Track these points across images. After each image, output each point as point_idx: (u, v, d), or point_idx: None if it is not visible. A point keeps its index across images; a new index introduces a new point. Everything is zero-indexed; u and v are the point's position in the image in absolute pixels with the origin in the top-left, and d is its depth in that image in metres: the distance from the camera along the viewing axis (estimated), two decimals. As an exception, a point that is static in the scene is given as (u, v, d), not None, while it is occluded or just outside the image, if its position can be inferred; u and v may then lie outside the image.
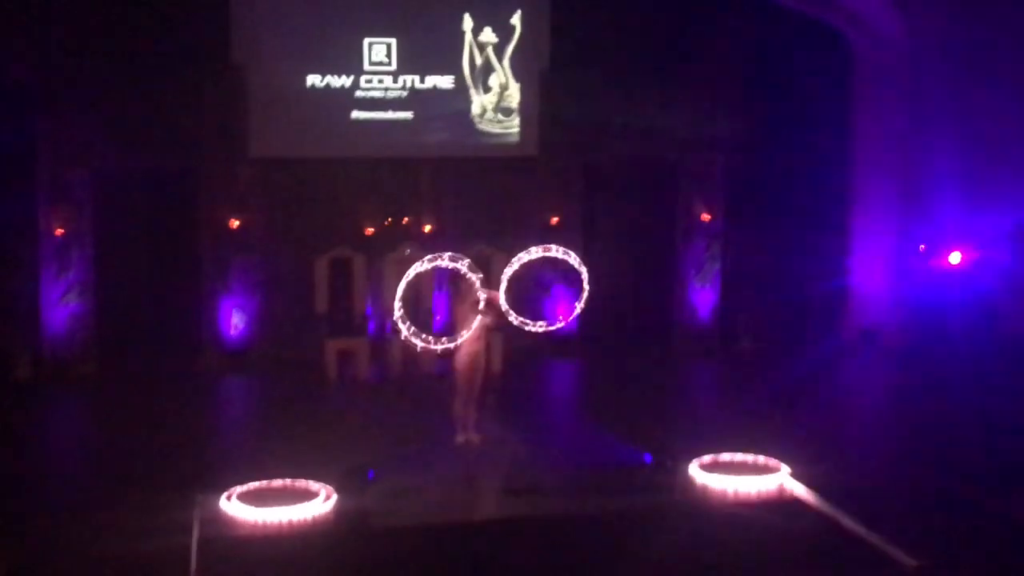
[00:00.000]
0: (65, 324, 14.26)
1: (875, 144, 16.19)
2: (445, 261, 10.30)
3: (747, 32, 15.94)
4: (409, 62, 15.23)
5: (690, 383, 14.62)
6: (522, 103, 15.58)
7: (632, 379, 12.56)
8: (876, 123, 16.17)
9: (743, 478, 9.84)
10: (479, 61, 15.42)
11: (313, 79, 14.93)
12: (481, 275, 10.48)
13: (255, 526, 8.89)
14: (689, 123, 15.77)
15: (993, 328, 15.56)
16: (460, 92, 15.41)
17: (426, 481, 10.00)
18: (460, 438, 11.06)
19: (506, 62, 15.48)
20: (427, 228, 15.39)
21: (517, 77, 15.50)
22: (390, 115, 15.26)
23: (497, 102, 15.52)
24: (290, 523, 8.92)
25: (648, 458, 10.18)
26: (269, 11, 14.73)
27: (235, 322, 14.81)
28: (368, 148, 15.25)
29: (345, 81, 15.06)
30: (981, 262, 15.54)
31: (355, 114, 15.16)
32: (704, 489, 9.84)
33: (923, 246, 15.55)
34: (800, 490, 9.70)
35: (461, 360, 11.01)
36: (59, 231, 14.13)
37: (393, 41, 15.14)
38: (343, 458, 10.03)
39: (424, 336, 10.38)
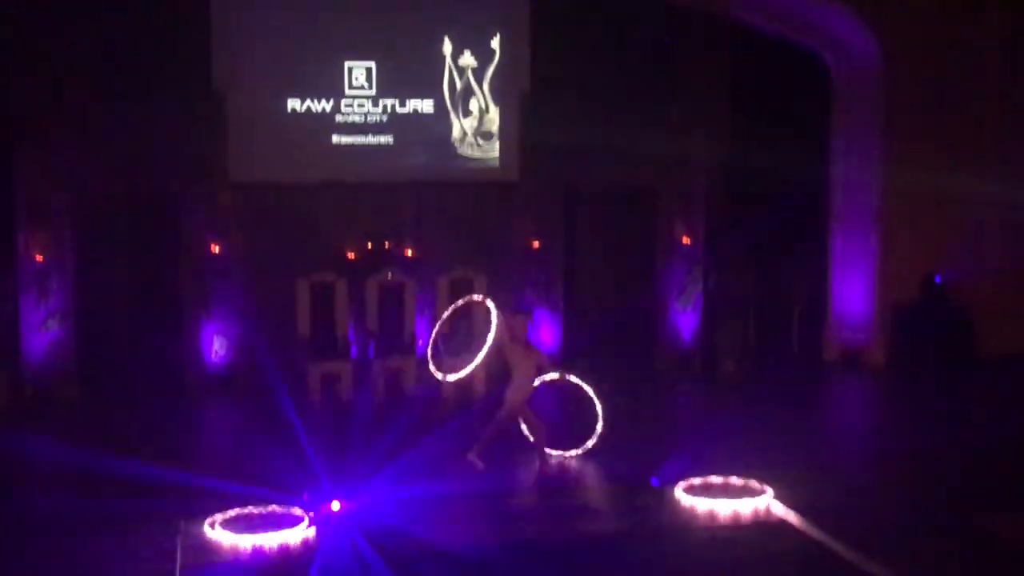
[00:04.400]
0: (45, 350, 14.17)
1: (853, 165, 16.30)
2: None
3: (727, 56, 16.05)
4: (389, 86, 15.25)
5: (673, 405, 14.63)
6: (502, 127, 15.60)
7: (615, 401, 12.52)
8: (854, 144, 16.30)
9: (728, 500, 9.86)
10: (459, 85, 15.45)
11: (293, 103, 14.94)
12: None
13: (238, 552, 8.84)
14: (669, 146, 15.81)
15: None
16: (440, 116, 15.43)
17: (410, 505, 9.96)
18: (476, 461, 10.97)
19: (486, 86, 15.51)
20: (409, 252, 15.37)
21: (497, 101, 15.54)
22: (370, 139, 15.26)
23: (477, 126, 15.54)
24: (273, 549, 8.88)
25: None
26: (250, 35, 14.74)
27: (217, 347, 14.74)
28: (349, 172, 15.24)
29: (325, 105, 15.06)
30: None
31: (335, 138, 15.16)
32: (689, 511, 9.84)
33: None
34: (785, 512, 9.71)
35: (517, 396, 10.96)
36: (39, 256, 14.05)
37: (373, 64, 15.15)
38: (326, 483, 10.00)
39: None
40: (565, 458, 11.33)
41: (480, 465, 10.94)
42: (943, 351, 15.55)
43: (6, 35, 13.88)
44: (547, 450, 11.13)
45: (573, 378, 11.34)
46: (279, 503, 9.62)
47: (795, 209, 16.10)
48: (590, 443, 11.33)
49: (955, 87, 15.97)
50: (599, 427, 11.24)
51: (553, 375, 11.25)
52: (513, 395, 10.97)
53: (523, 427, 11.25)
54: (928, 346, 15.63)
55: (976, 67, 16.01)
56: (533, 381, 11.00)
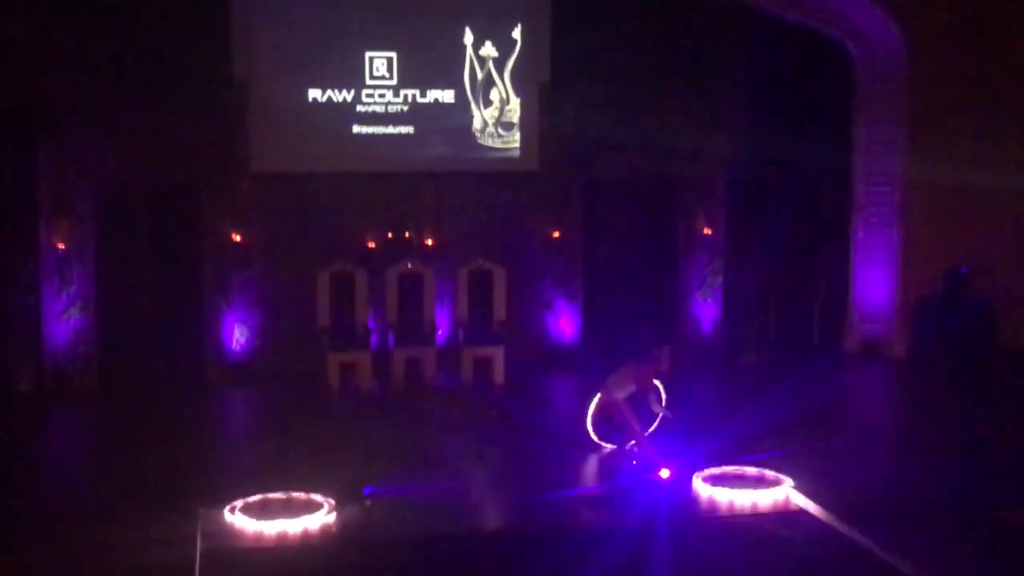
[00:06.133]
0: (67, 338, 14.21)
1: (876, 156, 16.22)
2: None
3: (748, 45, 15.96)
4: (410, 76, 15.23)
5: (693, 395, 14.56)
6: (523, 118, 15.56)
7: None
8: (877, 136, 16.20)
9: (747, 490, 9.84)
10: (480, 75, 15.42)
11: (314, 93, 14.93)
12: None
13: (258, 538, 8.88)
14: (690, 137, 15.76)
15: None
16: (461, 107, 15.40)
17: (429, 493, 9.99)
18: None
19: (507, 76, 15.48)
20: (429, 242, 15.39)
21: (517, 91, 15.50)
22: (391, 130, 15.24)
23: (498, 117, 15.51)
24: (294, 535, 8.91)
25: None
26: (271, 25, 14.73)
27: (237, 336, 14.78)
28: (369, 163, 15.23)
29: (346, 95, 15.05)
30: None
31: (356, 128, 15.15)
32: (708, 501, 9.83)
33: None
34: (805, 502, 9.69)
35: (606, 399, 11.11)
36: (60, 245, 14.11)
37: (394, 55, 15.14)
38: (346, 470, 10.03)
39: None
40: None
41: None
42: (965, 343, 15.46)
43: (28, 27, 13.92)
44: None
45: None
46: (299, 490, 9.65)
47: (817, 200, 16.03)
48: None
49: (979, 77, 15.85)
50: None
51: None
52: (603, 395, 11.07)
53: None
54: (950, 338, 15.54)
55: (1001, 57, 15.89)
56: (625, 393, 11.03)
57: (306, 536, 8.94)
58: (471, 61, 15.38)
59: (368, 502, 9.40)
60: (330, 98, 15.02)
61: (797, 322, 16.46)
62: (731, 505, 9.72)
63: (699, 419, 13.21)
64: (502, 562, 8.58)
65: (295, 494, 9.59)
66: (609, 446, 11.25)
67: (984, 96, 15.89)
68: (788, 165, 15.43)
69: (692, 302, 16.21)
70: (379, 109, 15.18)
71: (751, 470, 10.29)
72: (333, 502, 9.33)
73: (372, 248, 15.16)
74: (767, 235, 16.01)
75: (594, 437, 11.27)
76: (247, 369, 14.82)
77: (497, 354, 14.56)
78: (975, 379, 14.67)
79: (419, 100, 15.28)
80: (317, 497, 9.47)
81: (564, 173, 15.77)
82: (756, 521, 9.45)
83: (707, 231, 16.11)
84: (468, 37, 15.33)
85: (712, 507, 9.75)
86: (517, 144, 15.58)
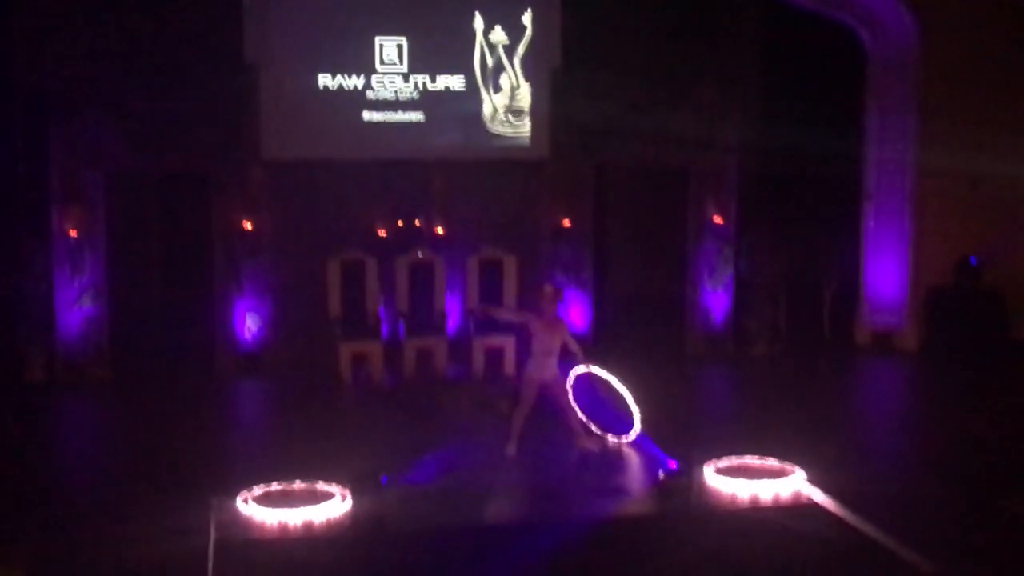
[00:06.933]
0: (79, 326, 14.27)
1: (888, 145, 16.18)
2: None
3: (760, 32, 15.90)
4: (420, 62, 15.18)
5: (704, 386, 14.60)
6: (533, 104, 15.51)
7: (646, 383, 12.60)
8: (888, 124, 16.16)
9: (758, 482, 9.84)
10: (490, 61, 15.37)
11: (325, 79, 14.89)
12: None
13: (271, 528, 8.89)
14: (701, 125, 15.72)
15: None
16: (471, 93, 15.35)
17: (442, 484, 10.01)
18: (511, 449, 10.98)
19: (517, 62, 15.43)
20: (439, 230, 15.37)
21: (528, 77, 15.45)
22: (401, 116, 15.21)
23: (508, 103, 15.46)
24: (306, 524, 8.92)
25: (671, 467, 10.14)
26: (281, 11, 14.70)
27: (249, 325, 14.80)
28: (380, 150, 15.20)
29: (357, 82, 15.01)
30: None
31: (367, 115, 15.12)
32: (719, 493, 9.83)
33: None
34: (816, 494, 9.69)
35: (533, 371, 11.00)
36: (72, 233, 14.14)
37: (404, 41, 15.10)
38: (358, 460, 10.04)
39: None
40: (602, 442, 11.28)
41: (512, 451, 10.94)
42: (977, 334, 15.45)
43: (39, 13, 13.93)
44: (583, 431, 11.16)
45: (598, 371, 11.19)
46: (311, 479, 9.67)
47: (828, 189, 16.00)
48: (625, 438, 11.26)
49: (992, 65, 15.80)
50: (636, 420, 11.12)
51: (580, 369, 11.19)
52: (531, 369, 11.01)
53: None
54: (962, 329, 15.53)
55: (1013, 45, 15.83)
56: (551, 355, 10.94)
57: (319, 526, 8.95)
58: (481, 47, 15.32)
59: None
60: (340, 84, 14.98)
61: (808, 313, 16.44)
62: (742, 497, 9.72)
63: (710, 410, 13.28)
64: (512, 553, 8.58)
65: (308, 483, 9.60)
66: (612, 438, 11.24)
67: (996, 85, 15.84)
68: (799, 154, 15.38)
69: (702, 291, 16.18)
70: (389, 95, 15.13)
71: (762, 461, 10.28)
72: (347, 491, 9.33)
73: (382, 236, 15.15)
74: (778, 224, 16.01)
75: (596, 429, 11.26)
76: (259, 358, 14.84)
77: (508, 344, 14.55)
78: (987, 370, 14.65)
79: (429, 87, 15.23)
80: (331, 486, 9.47)
81: (574, 160, 15.72)
82: (767, 512, 9.45)
83: (718, 220, 16.07)
84: (478, 23, 15.27)
85: (723, 499, 9.75)
86: (527, 131, 15.53)
